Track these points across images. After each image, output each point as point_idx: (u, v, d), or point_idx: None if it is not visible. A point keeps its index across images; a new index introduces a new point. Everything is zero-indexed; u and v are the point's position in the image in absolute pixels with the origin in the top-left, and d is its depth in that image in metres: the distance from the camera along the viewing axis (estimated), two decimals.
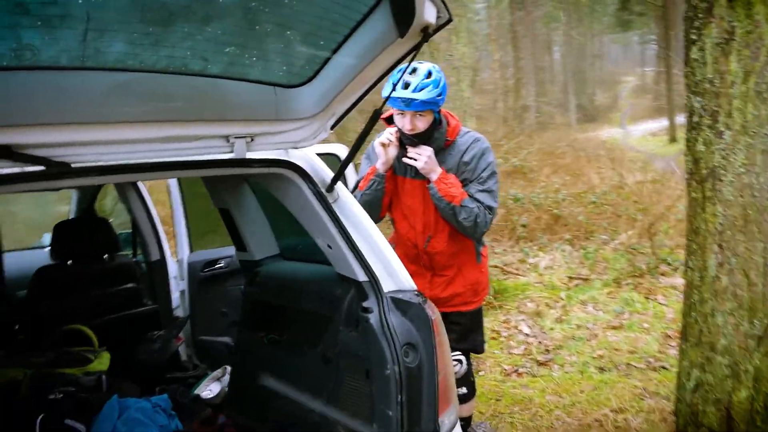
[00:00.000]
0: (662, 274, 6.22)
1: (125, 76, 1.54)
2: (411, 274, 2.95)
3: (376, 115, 1.81)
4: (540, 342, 4.94)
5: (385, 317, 1.82)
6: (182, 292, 3.57)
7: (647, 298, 5.70)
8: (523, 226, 7.95)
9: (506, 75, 22.75)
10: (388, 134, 2.68)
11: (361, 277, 1.92)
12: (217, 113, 1.73)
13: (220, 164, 1.81)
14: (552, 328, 5.19)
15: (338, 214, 1.94)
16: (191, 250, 3.63)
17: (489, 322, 5.41)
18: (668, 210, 7.32)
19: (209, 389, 2.81)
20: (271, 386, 2.39)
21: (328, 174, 2.02)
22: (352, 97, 1.84)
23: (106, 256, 3.22)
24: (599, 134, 29.69)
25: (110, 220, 4.84)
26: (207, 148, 1.77)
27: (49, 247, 3.10)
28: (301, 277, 2.44)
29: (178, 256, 3.68)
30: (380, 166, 2.71)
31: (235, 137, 1.79)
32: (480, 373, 4.43)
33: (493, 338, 5.08)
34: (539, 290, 6.13)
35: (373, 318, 1.85)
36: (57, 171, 1.47)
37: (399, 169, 2.78)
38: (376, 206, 2.77)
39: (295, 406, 2.21)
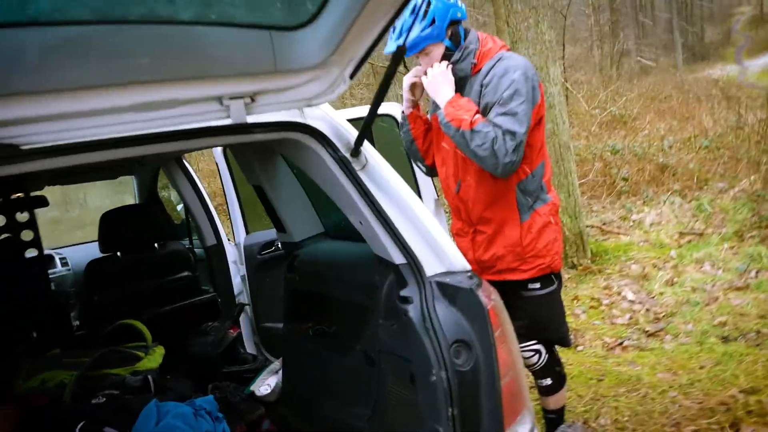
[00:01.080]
0: None
1: (75, 30, 1.25)
2: (456, 233, 2.59)
3: (399, 54, 1.42)
4: (648, 309, 4.35)
5: (428, 308, 1.45)
6: (243, 278, 3.37)
7: None
8: (624, 179, 7.18)
9: (601, 19, 21.10)
10: (415, 71, 2.41)
11: (398, 259, 1.55)
12: (200, 69, 1.40)
13: (212, 132, 1.49)
14: (662, 293, 4.57)
15: (366, 183, 1.57)
16: (247, 232, 3.42)
17: (587, 290, 4.86)
18: None
19: (267, 384, 2.57)
20: (317, 385, 2.09)
21: (355, 136, 1.65)
22: (370, 33, 1.45)
23: (157, 244, 3.06)
24: (710, 73, 26.99)
25: (179, 207, 4.80)
26: (196, 115, 1.46)
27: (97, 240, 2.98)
28: (340, 261, 2.10)
29: (236, 240, 3.48)
30: (405, 105, 2.51)
31: (230, 98, 1.47)
32: (578, 349, 3.94)
33: (593, 307, 4.54)
34: (645, 250, 5.46)
35: (413, 310, 1.47)
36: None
37: (434, 107, 2.46)
38: (414, 152, 2.62)
39: (340, 412, 1.90)
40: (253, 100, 1.51)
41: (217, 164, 3.41)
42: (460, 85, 2.34)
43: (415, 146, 2.60)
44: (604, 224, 6.29)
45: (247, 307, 3.35)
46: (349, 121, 1.71)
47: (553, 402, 2.52)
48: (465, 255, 2.39)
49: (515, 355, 1.52)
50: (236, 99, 1.48)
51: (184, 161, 3.38)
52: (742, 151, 7.22)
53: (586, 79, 15.36)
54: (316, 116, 1.66)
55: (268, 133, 1.56)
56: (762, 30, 42.40)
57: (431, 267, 1.53)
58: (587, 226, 5.62)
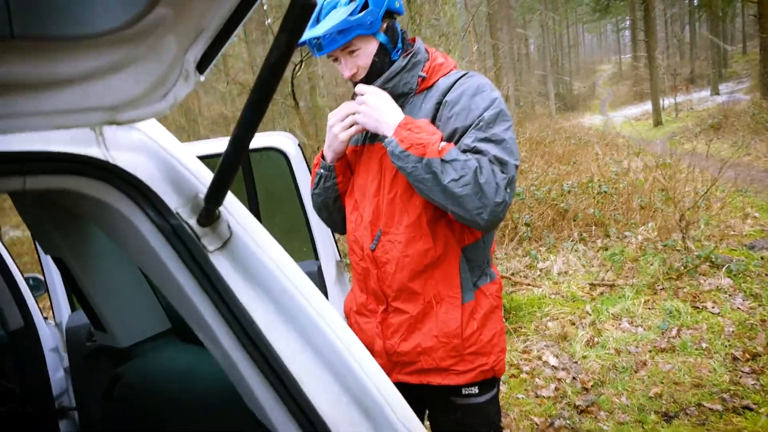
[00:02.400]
0: (703, 275, 5.14)
1: None
2: (358, 311, 1.79)
3: (287, 44, 0.68)
4: (574, 378, 3.82)
5: None
6: (67, 371, 2.40)
7: (695, 307, 4.61)
8: (527, 224, 6.85)
9: (486, 66, 21.73)
10: (349, 105, 1.67)
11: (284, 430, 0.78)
12: None
13: None
14: (585, 356, 4.07)
15: (227, 280, 0.79)
16: (72, 308, 2.46)
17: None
18: (699, 198, 6.24)
19: None
20: None
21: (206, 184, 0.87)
22: None
23: None
24: (581, 122, 28.93)
25: None
26: None
27: None
28: (193, 390, 1.28)
29: (56, 319, 2.50)
30: (327, 151, 1.76)
31: None
32: None
33: (513, 376, 3.95)
34: (559, 304, 5.01)
35: None
36: None
37: (355, 137, 1.78)
38: (333, 212, 1.89)
39: None
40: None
41: None
42: (397, 104, 1.64)
43: (339, 204, 1.86)
44: (512, 274, 5.83)
45: (73, 414, 2.36)
46: (203, 159, 0.93)
47: None
48: (368, 344, 1.77)
49: None
50: None
51: None
52: (636, 198, 7.15)
53: None
54: (130, 145, 0.86)
55: (11, 177, 0.74)
56: (621, 85, 46.69)
57: None
58: None
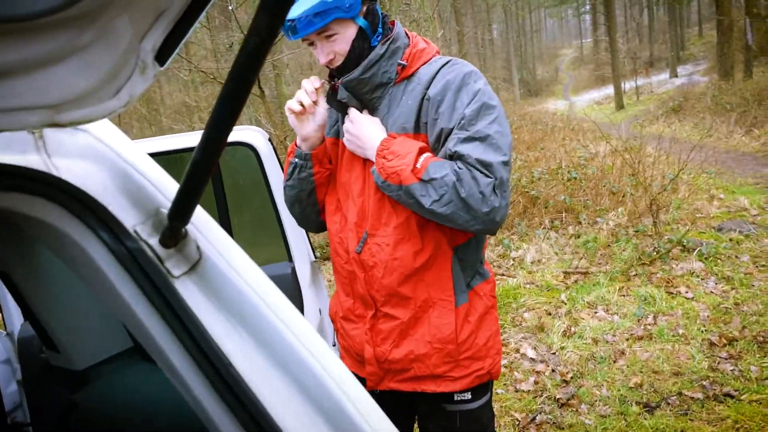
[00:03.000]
0: (675, 259, 5.16)
1: None
2: (344, 317, 1.79)
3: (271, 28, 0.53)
4: (553, 370, 3.77)
5: None
6: (20, 384, 2.21)
7: (669, 292, 4.61)
8: None
9: (451, 52, 21.68)
10: (304, 90, 1.60)
11: None
12: None
13: None
14: (563, 347, 4.02)
15: (195, 310, 0.66)
16: (25, 317, 2.27)
17: None
18: (668, 182, 6.26)
19: None
20: None
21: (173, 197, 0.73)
22: None
23: None
24: (545, 107, 29.19)
25: None
26: None
27: None
28: (156, 418, 1.13)
29: (6, 328, 2.31)
30: (301, 141, 1.66)
31: None
32: None
33: None
34: (534, 294, 4.97)
35: None
36: None
37: (336, 128, 1.67)
38: (306, 208, 1.74)
39: None
40: None
41: None
42: (375, 95, 1.52)
43: (314, 198, 1.73)
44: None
45: (28, 430, 2.18)
46: (156, 157, 0.79)
47: None
48: (357, 351, 1.70)
49: None
50: None
51: None
52: (605, 183, 7.17)
53: None
54: (77, 151, 0.71)
55: None
56: (583, 70, 47.28)
57: None
58: None
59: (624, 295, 4.71)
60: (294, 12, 1.38)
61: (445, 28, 22.52)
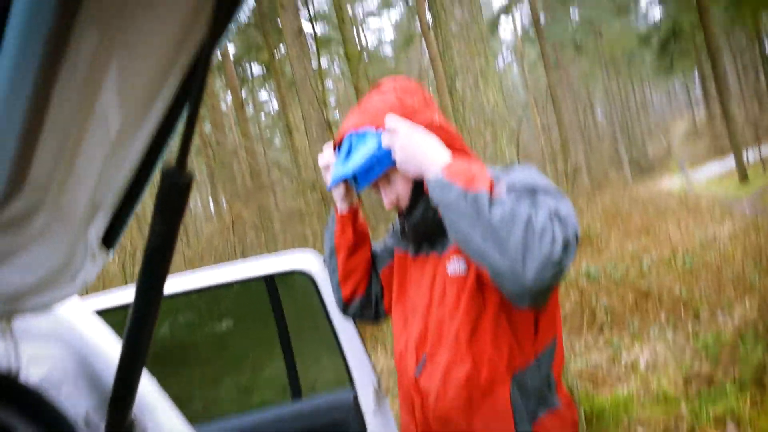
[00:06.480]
0: None
1: None
2: None
3: None
4: None
5: None
6: None
7: None
8: (605, 310, 6.32)
9: (551, 138, 21.50)
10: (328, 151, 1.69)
11: None
12: None
13: None
14: None
15: None
16: None
17: None
18: None
19: None
20: None
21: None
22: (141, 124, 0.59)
23: None
24: (660, 185, 27.74)
25: None
26: None
27: None
28: None
29: None
30: (339, 202, 1.71)
31: None
32: None
33: None
34: (649, 406, 4.44)
35: None
36: None
37: (400, 241, 1.67)
38: (330, 269, 1.79)
39: None
40: None
41: None
42: (440, 230, 1.50)
43: (334, 261, 1.75)
44: (592, 368, 5.30)
45: None
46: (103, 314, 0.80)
47: None
48: None
49: None
50: None
51: None
52: (727, 271, 6.49)
53: None
54: (41, 335, 0.77)
55: None
56: (699, 142, 44.95)
57: None
58: (574, 376, 4.62)
59: (759, 409, 4.07)
60: (349, 167, 1.44)
61: (543, 114, 22.49)
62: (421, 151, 1.36)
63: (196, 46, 0.50)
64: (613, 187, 22.37)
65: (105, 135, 0.55)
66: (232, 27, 0.51)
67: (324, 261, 1.82)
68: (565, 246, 1.18)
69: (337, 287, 1.78)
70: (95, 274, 0.75)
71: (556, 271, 1.17)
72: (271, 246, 15.73)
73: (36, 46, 0.41)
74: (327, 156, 1.66)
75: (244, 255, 15.31)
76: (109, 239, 0.73)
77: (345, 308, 1.80)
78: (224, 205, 20.63)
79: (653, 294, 6.42)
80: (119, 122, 0.54)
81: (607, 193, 18.18)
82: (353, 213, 1.71)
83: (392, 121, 1.39)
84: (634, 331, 5.98)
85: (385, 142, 1.40)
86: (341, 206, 1.71)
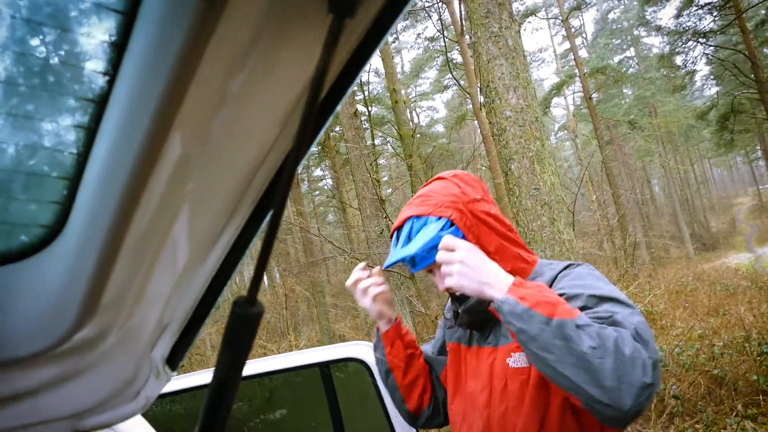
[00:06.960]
0: None
1: None
2: None
3: None
4: None
5: None
6: None
7: None
8: (675, 397, 5.92)
9: (607, 214, 21.09)
10: (358, 269, 1.71)
11: None
12: None
13: None
14: None
15: None
16: None
17: None
18: None
19: None
20: None
21: None
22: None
23: None
24: (725, 262, 26.47)
25: None
26: None
27: None
28: None
29: None
30: (379, 322, 1.75)
31: None
32: None
33: None
34: None
35: None
36: None
37: (459, 335, 1.64)
38: (392, 389, 1.74)
39: None
40: None
41: None
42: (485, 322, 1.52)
43: (392, 381, 1.73)
44: None
45: None
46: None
47: None
48: None
49: None
50: None
51: None
52: None
53: (605, 274, 14.67)
54: None
55: None
56: (765, 218, 43.11)
57: None
58: None
59: None
60: (411, 249, 1.45)
61: (598, 190, 22.21)
62: (485, 271, 1.29)
63: (270, 174, 0.52)
64: (675, 263, 21.54)
65: (175, 259, 0.57)
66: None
67: (381, 380, 1.79)
68: (654, 367, 1.13)
69: (401, 403, 1.74)
70: (158, 393, 0.76)
71: (651, 392, 1.12)
72: (322, 319, 15.71)
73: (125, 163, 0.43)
74: (356, 274, 1.70)
75: (296, 329, 15.30)
76: (173, 360, 0.74)
77: (414, 421, 1.76)
78: (278, 279, 20.92)
79: (728, 381, 6.00)
80: (189, 249, 0.56)
81: (670, 270, 17.49)
82: (397, 327, 1.73)
83: (449, 240, 1.35)
84: (709, 421, 5.56)
85: (440, 258, 1.34)
86: (382, 325, 1.73)
